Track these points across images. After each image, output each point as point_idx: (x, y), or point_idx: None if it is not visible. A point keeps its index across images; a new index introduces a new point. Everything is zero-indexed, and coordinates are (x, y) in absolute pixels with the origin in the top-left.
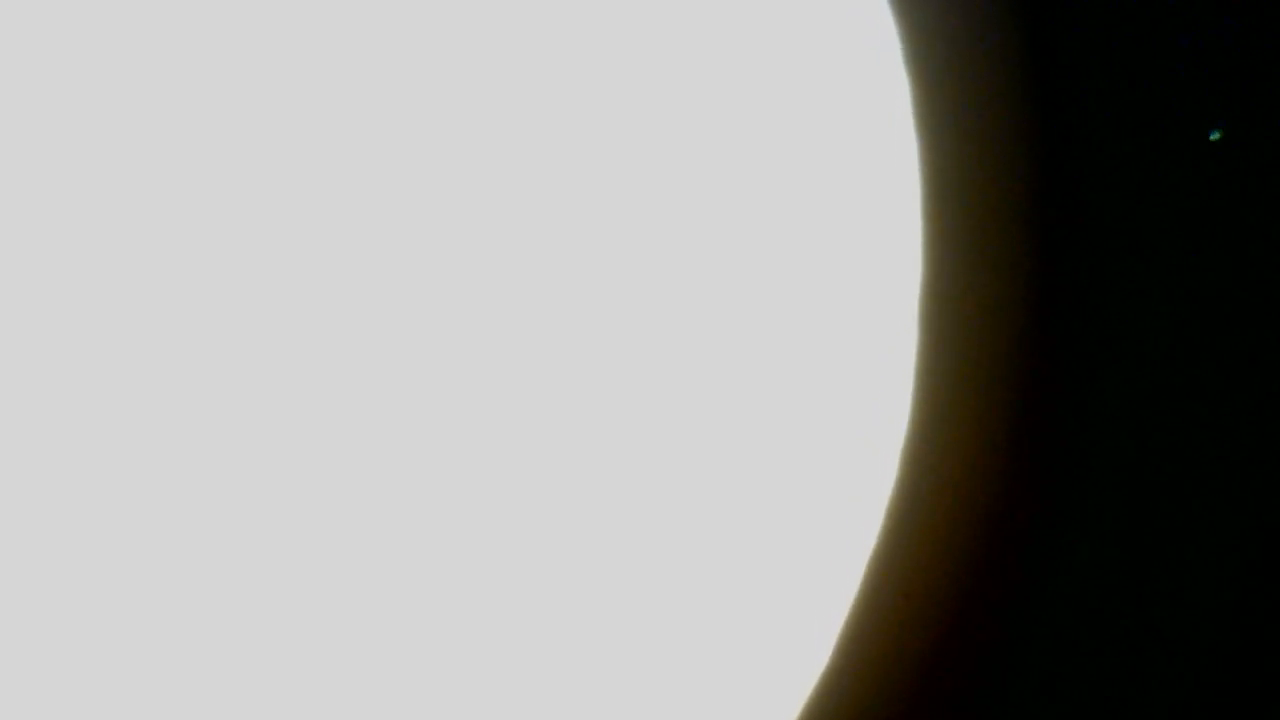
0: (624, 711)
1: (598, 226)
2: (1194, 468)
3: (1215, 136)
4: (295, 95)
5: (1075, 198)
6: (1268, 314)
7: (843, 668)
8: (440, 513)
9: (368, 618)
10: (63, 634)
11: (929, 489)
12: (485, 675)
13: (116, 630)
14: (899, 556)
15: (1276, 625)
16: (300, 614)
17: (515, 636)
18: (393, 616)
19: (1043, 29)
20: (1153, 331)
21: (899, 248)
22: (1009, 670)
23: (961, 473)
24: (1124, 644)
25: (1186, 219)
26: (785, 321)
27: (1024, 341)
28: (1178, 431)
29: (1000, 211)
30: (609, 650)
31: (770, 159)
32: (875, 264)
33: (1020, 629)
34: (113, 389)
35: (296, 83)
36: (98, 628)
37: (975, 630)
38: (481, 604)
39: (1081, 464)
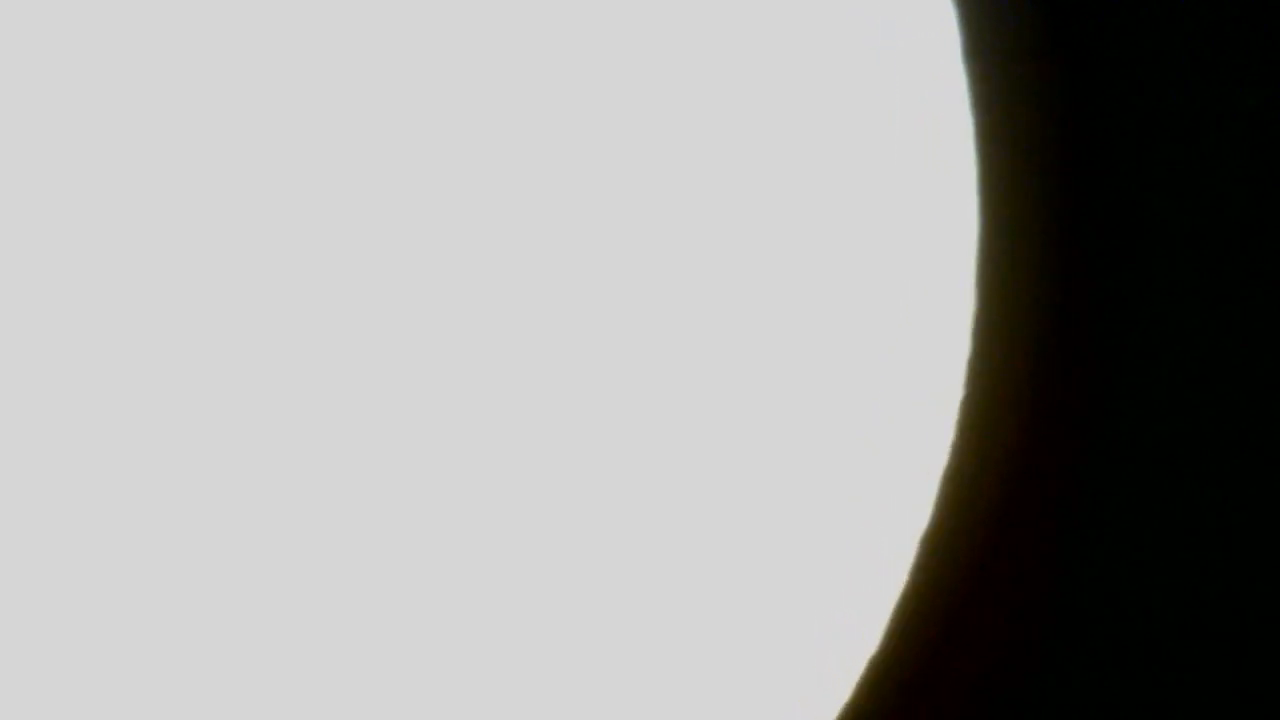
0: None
1: (629, 221)
2: (1241, 456)
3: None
4: (295, 95)
5: (1122, 176)
6: None
7: (888, 663)
8: (463, 514)
9: (375, 619)
10: (63, 634)
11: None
12: (504, 679)
13: (116, 630)
14: (949, 542)
15: None
16: (300, 614)
17: (539, 640)
18: (428, 620)
19: None
20: (1200, 317)
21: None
22: (1049, 664)
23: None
24: (1167, 640)
25: (1240, 194)
26: (829, 299)
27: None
28: (1224, 415)
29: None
30: (674, 637)
31: (820, 126)
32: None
33: (1065, 619)
34: (112, 389)
35: (296, 83)
36: (98, 628)
37: (1026, 618)
38: (506, 609)
39: (1125, 447)
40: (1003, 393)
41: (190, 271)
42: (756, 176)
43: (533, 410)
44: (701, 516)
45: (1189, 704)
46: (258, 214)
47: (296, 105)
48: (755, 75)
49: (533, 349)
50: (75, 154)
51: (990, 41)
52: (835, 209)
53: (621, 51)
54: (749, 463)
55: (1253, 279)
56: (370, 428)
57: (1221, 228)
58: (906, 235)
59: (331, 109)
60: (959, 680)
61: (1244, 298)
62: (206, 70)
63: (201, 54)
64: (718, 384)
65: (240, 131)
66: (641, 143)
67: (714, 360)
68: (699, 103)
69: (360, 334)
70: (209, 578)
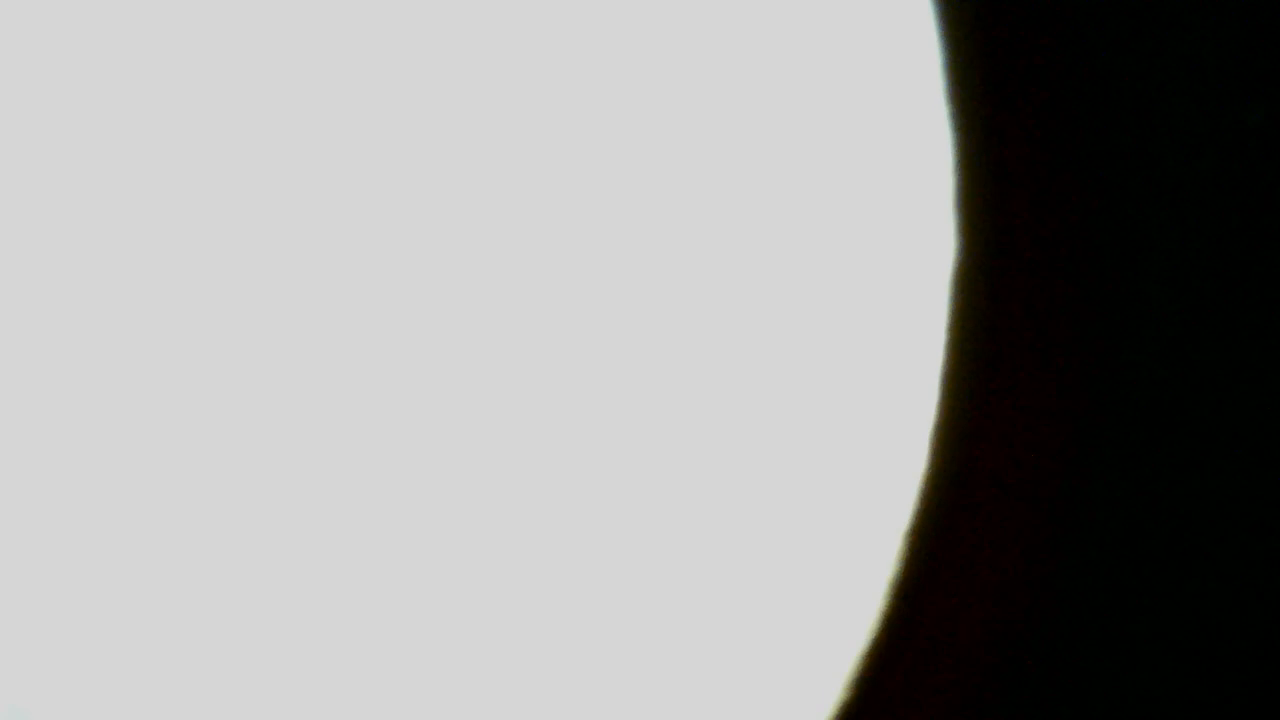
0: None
1: (624, 221)
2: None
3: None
4: (295, 95)
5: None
6: None
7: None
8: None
9: (375, 618)
10: (64, 633)
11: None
12: (494, 679)
13: (117, 630)
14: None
15: None
16: (300, 614)
17: (518, 641)
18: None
19: None
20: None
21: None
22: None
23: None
24: (1153, 641)
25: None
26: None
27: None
28: (1206, 415)
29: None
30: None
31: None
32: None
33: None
34: (112, 389)
35: (296, 83)
36: (98, 627)
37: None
38: (494, 609)
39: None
40: (980, 398)
41: (190, 271)
42: (744, 181)
43: (518, 408)
44: (689, 517)
45: (1179, 705)
46: (257, 214)
47: (296, 106)
48: (736, 83)
49: (515, 348)
50: (75, 154)
51: (970, 51)
52: (825, 213)
53: (596, 63)
54: (732, 464)
55: (1225, 280)
56: (369, 427)
57: (1196, 230)
58: (888, 234)
59: (331, 109)
60: (942, 684)
61: (1215, 298)
62: (206, 70)
63: (201, 54)
64: (701, 386)
65: (239, 132)
66: (622, 148)
67: (696, 362)
68: (682, 112)
69: (359, 334)
70: (209, 576)
